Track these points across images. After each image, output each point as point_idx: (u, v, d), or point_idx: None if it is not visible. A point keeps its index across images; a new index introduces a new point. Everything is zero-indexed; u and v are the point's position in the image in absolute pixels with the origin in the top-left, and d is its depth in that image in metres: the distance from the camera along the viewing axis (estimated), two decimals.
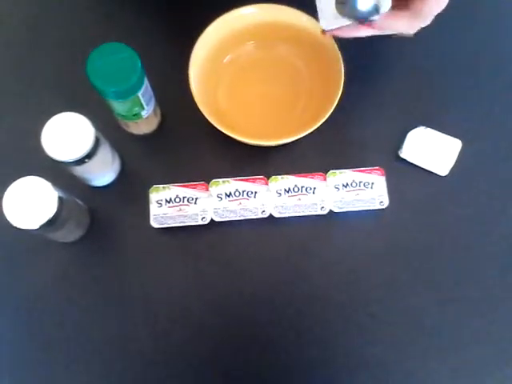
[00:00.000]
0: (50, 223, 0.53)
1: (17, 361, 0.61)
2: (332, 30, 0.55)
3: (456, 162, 0.67)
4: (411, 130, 0.67)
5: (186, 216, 0.63)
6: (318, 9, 0.54)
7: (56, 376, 0.61)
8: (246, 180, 0.65)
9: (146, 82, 0.58)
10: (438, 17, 0.52)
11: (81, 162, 0.56)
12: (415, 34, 0.56)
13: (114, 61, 0.54)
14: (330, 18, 0.54)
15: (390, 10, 0.51)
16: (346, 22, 0.53)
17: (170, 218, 0.63)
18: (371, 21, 0.52)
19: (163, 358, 0.61)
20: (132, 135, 0.68)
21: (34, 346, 0.62)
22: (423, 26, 0.53)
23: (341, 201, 0.64)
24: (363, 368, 0.61)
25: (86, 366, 0.61)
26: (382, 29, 0.54)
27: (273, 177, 0.65)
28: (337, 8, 0.53)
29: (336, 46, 0.64)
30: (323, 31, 0.56)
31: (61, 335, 0.62)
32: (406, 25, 0.53)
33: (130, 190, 0.66)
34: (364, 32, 0.55)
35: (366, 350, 0.62)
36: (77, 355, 0.61)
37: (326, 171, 0.65)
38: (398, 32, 0.55)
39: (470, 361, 0.61)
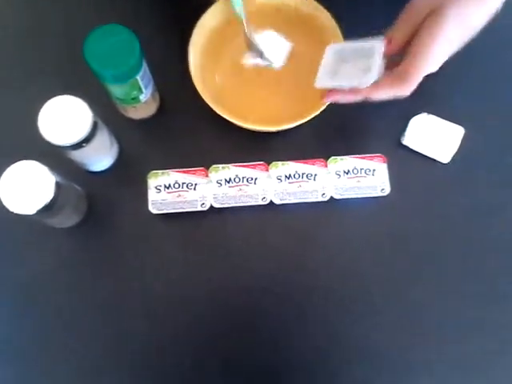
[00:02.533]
0: (47, 208, 0.52)
1: (15, 348, 0.61)
2: (325, 88, 0.58)
3: (458, 149, 0.66)
4: (413, 116, 0.67)
5: (185, 202, 0.63)
6: (321, 63, 0.58)
7: (55, 362, 0.61)
8: (246, 166, 0.64)
9: (144, 65, 0.57)
10: None
11: (78, 146, 0.55)
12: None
13: (112, 43, 0.53)
14: (323, 77, 0.57)
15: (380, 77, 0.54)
16: (336, 83, 0.56)
17: (169, 203, 0.63)
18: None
19: (161, 345, 0.61)
20: (130, 120, 0.67)
21: (32, 333, 0.61)
22: (411, 88, 0.53)
23: (342, 188, 0.64)
24: (364, 358, 0.61)
25: (84, 353, 0.61)
26: (370, 97, 0.55)
27: (273, 163, 0.64)
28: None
29: (338, 29, 0.62)
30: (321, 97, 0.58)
31: (59, 321, 0.61)
32: (394, 90, 0.54)
33: (128, 175, 0.65)
34: (355, 98, 0.56)
35: (366, 340, 0.61)
36: (75, 341, 0.61)
37: (327, 158, 0.65)
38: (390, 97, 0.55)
39: (471, 352, 0.61)
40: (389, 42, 0.54)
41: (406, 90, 0.53)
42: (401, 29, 0.54)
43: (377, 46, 0.54)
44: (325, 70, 0.58)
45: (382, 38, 0.54)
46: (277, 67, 0.67)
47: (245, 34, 0.63)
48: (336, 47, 0.59)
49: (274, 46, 0.66)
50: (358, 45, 0.56)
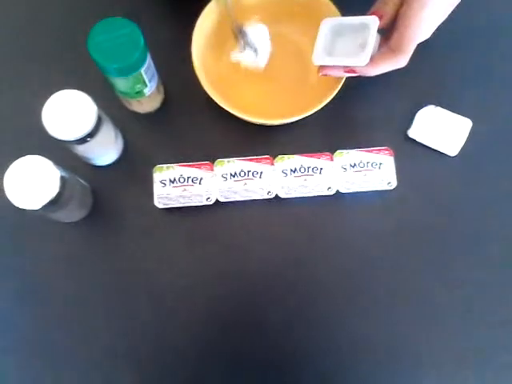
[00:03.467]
0: (53, 203, 0.52)
1: (21, 340, 0.61)
2: (321, 66, 0.59)
3: (466, 141, 0.65)
4: (420, 109, 0.66)
5: (190, 196, 0.62)
6: (316, 39, 0.58)
7: (59, 355, 0.61)
8: (252, 160, 0.64)
9: (148, 58, 0.56)
10: None
11: (83, 140, 0.55)
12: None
13: (115, 36, 0.52)
14: (320, 54, 0.58)
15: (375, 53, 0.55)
16: (333, 62, 0.57)
17: (174, 198, 0.62)
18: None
19: (166, 339, 0.61)
20: (135, 113, 0.67)
21: (37, 326, 0.62)
22: (408, 58, 0.54)
23: (348, 181, 0.63)
24: (369, 352, 0.61)
25: (89, 346, 0.61)
26: (367, 74, 0.56)
27: (279, 156, 0.64)
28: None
29: None
30: (318, 71, 0.59)
31: (64, 315, 0.62)
32: (391, 65, 0.55)
33: (134, 169, 0.65)
34: (351, 74, 0.57)
35: (372, 333, 0.61)
36: (80, 335, 0.61)
37: (333, 151, 0.64)
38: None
39: (478, 344, 0.61)
40: (380, 17, 0.54)
41: (402, 61, 0.54)
42: (389, 2, 0.54)
43: (371, 22, 0.54)
44: (321, 45, 0.58)
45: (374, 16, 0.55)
46: (261, 66, 0.66)
47: (232, 26, 0.62)
48: (331, 22, 0.59)
49: (260, 43, 0.64)
50: (353, 20, 0.56)
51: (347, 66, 0.56)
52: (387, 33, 0.55)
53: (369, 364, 0.61)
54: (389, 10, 0.54)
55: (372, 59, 0.54)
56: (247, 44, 0.63)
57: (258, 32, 0.64)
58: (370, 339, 0.61)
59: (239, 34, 0.62)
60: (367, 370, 0.61)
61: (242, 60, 0.65)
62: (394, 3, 0.54)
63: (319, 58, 0.58)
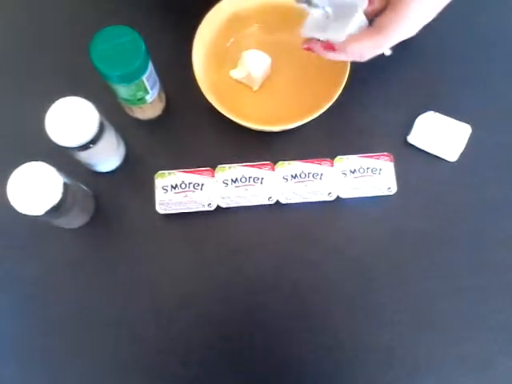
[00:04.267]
0: (55, 209, 0.53)
1: (21, 346, 0.62)
2: (308, 39, 0.57)
3: (465, 147, 0.66)
4: (420, 114, 0.66)
5: (191, 202, 0.63)
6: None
7: (61, 361, 0.61)
8: (253, 166, 0.64)
9: (150, 65, 0.57)
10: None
11: (85, 147, 0.55)
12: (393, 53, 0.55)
13: (117, 44, 0.53)
14: (308, 27, 0.57)
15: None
16: (315, 35, 0.55)
17: (176, 203, 0.63)
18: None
19: (168, 344, 0.61)
20: (137, 120, 0.67)
21: (38, 332, 0.62)
22: (389, 45, 0.52)
23: (348, 187, 0.63)
24: (371, 355, 0.61)
25: (91, 351, 0.61)
26: (346, 51, 0.53)
27: (279, 162, 0.64)
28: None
29: None
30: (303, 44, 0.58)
31: (67, 320, 0.62)
32: (370, 43, 0.52)
33: (135, 175, 0.66)
34: (332, 55, 0.55)
35: (373, 337, 0.61)
36: (82, 340, 0.61)
37: (333, 157, 0.65)
38: (365, 56, 0.54)
39: (480, 348, 0.61)
40: (370, 3, 0.53)
41: (382, 42, 0.52)
42: None
43: (360, 1, 0.52)
44: (311, 20, 0.57)
45: None
46: (256, 88, 0.67)
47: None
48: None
49: (256, 69, 0.65)
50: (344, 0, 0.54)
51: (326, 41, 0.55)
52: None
53: (368, 369, 0.61)
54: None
55: (352, 37, 0.53)
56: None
57: (256, 58, 0.65)
58: (369, 344, 0.61)
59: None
60: (367, 374, 0.61)
61: (239, 78, 0.67)
62: None
63: (307, 31, 0.57)
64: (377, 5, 0.53)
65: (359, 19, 0.53)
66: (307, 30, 0.57)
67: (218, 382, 0.61)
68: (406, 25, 0.51)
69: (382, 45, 0.53)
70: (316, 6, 0.56)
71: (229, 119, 0.60)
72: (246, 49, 0.66)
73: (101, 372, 0.61)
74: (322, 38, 0.55)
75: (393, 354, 0.61)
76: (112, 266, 0.63)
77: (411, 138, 0.66)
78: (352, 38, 0.53)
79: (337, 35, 0.53)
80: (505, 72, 0.70)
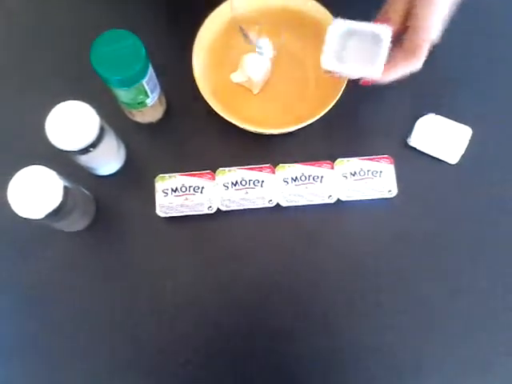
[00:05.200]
0: (56, 213, 0.53)
1: (23, 347, 0.62)
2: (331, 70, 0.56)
3: (466, 149, 0.66)
4: (420, 117, 0.66)
5: (192, 205, 0.63)
6: (325, 41, 0.56)
7: (62, 362, 0.61)
8: (253, 169, 0.64)
9: (150, 69, 0.57)
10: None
11: (85, 151, 0.55)
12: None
13: (118, 48, 0.53)
14: (329, 58, 0.56)
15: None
16: (344, 69, 0.55)
17: (176, 207, 0.63)
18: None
19: (169, 346, 0.61)
20: (137, 124, 0.67)
21: (40, 334, 0.62)
22: (423, 60, 0.53)
23: (349, 189, 0.63)
24: (372, 356, 0.61)
25: (92, 353, 0.61)
26: (384, 81, 0.55)
27: (280, 165, 0.64)
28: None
29: None
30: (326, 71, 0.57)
31: (68, 323, 0.62)
32: (406, 69, 0.54)
33: (136, 178, 0.66)
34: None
35: (374, 339, 0.61)
36: (83, 341, 0.61)
37: (333, 159, 0.65)
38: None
39: (481, 349, 0.61)
40: (387, 21, 0.54)
41: (417, 63, 0.54)
42: (396, 8, 0.54)
43: (384, 33, 0.53)
44: (330, 49, 0.56)
45: (385, 26, 0.54)
46: (256, 91, 0.68)
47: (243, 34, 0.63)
48: (341, 26, 0.56)
49: (256, 72, 0.65)
50: (364, 27, 0.55)
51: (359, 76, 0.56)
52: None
53: (369, 370, 0.61)
54: (395, 16, 0.54)
55: (386, 66, 0.54)
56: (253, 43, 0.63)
57: (256, 62, 0.65)
58: (371, 346, 0.61)
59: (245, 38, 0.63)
60: (368, 376, 0.61)
61: (240, 81, 0.67)
62: (402, 10, 0.54)
63: (328, 62, 0.56)
64: (397, 25, 0.54)
65: (386, 50, 0.53)
66: (329, 63, 0.56)
67: (218, 382, 0.61)
68: (433, 37, 0.53)
69: (418, 65, 0.54)
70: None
71: (229, 122, 0.61)
72: (247, 52, 0.66)
73: (101, 372, 0.61)
74: (352, 74, 0.56)
75: (394, 355, 0.61)
76: (112, 269, 0.64)
77: (412, 141, 0.66)
78: (389, 69, 0.54)
79: (371, 73, 0.54)
80: (505, 74, 0.70)
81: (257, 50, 0.64)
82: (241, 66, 0.66)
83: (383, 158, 0.65)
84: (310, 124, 0.61)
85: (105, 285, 0.63)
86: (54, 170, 0.53)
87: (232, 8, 0.60)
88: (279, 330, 0.62)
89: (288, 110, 0.66)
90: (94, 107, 0.55)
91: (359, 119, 0.68)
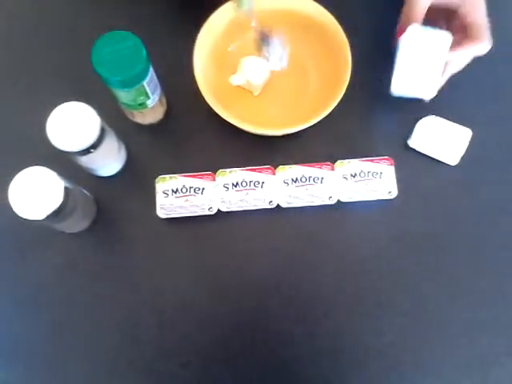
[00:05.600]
0: (56, 213, 0.53)
1: (24, 348, 0.62)
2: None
3: (466, 151, 0.66)
4: (420, 118, 0.66)
5: (192, 206, 0.63)
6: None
7: (63, 362, 0.61)
8: (253, 170, 0.64)
9: (151, 70, 0.57)
10: None
11: (86, 152, 0.55)
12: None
13: (119, 49, 0.54)
14: (397, 84, 0.62)
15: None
16: (411, 93, 0.62)
17: (177, 208, 0.63)
18: None
19: (170, 346, 0.61)
20: (138, 125, 0.67)
21: (40, 335, 0.62)
22: (487, 39, 0.60)
23: (349, 191, 0.63)
24: (372, 357, 0.61)
25: (94, 354, 0.61)
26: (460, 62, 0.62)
27: (280, 166, 0.64)
28: None
29: (343, 34, 0.63)
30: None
31: (67, 324, 0.62)
32: (475, 53, 0.61)
33: (137, 179, 0.66)
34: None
35: (374, 340, 0.61)
36: (84, 342, 0.61)
37: (334, 161, 0.65)
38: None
39: (481, 350, 0.61)
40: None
41: (487, 46, 0.60)
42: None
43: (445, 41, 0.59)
44: (398, 77, 0.61)
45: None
46: (256, 93, 0.68)
47: (254, 36, 0.63)
48: (410, 39, 0.60)
49: (257, 72, 0.66)
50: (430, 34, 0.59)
51: None
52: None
53: (370, 371, 0.61)
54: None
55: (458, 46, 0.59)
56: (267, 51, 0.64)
57: (255, 65, 0.65)
58: (371, 346, 0.61)
59: (262, 41, 0.63)
60: (369, 377, 0.61)
61: (240, 84, 0.67)
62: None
63: (396, 89, 0.62)
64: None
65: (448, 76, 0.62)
66: (397, 89, 0.61)
67: (218, 383, 0.61)
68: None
69: (488, 46, 0.60)
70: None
71: (230, 123, 0.61)
72: (247, 53, 0.66)
73: (101, 372, 0.61)
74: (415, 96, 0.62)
75: (394, 356, 0.61)
76: (113, 270, 0.64)
77: (412, 142, 0.66)
78: (457, 60, 0.61)
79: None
80: (505, 76, 0.70)
81: (265, 54, 0.64)
82: (239, 69, 0.66)
83: (383, 159, 0.65)
84: (311, 125, 0.61)
85: (105, 285, 0.63)
86: (55, 170, 0.53)
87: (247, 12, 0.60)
88: (279, 330, 0.62)
89: (289, 111, 0.67)
90: (95, 108, 0.55)
91: (360, 121, 0.68)
